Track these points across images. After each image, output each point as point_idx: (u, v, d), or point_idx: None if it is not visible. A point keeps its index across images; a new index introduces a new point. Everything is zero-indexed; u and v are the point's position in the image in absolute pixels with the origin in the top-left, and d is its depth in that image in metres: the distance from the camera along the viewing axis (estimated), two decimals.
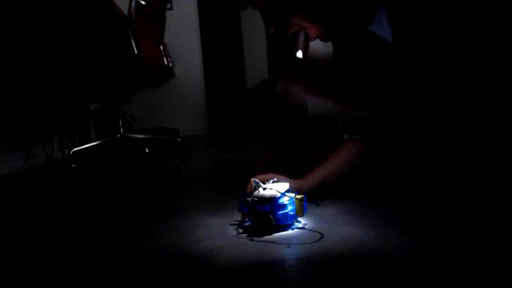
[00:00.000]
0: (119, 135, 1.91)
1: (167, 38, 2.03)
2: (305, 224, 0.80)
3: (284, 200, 0.78)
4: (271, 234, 0.76)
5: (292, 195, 0.80)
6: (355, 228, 0.76)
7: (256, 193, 0.79)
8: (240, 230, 0.79)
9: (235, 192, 0.89)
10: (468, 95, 0.64)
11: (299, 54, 0.88)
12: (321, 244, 0.71)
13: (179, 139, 2.03)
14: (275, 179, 0.84)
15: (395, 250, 0.65)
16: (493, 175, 0.75)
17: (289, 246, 0.71)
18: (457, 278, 0.54)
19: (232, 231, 0.80)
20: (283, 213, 0.77)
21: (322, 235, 0.73)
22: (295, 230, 0.78)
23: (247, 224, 0.82)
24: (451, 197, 0.85)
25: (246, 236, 0.76)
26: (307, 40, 0.86)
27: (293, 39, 0.86)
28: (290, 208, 0.78)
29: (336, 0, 0.78)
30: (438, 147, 0.72)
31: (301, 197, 0.80)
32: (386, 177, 1.00)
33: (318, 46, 0.87)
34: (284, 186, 0.82)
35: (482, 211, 0.77)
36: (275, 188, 0.80)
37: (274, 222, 0.76)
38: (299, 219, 0.81)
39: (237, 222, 0.84)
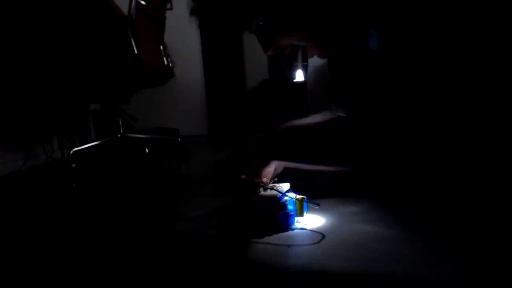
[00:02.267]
0: (119, 135, 1.91)
1: (167, 38, 2.03)
2: (306, 224, 0.80)
3: (285, 200, 0.78)
4: (271, 234, 0.75)
5: (293, 195, 0.80)
6: (356, 228, 0.75)
7: (256, 193, 0.80)
8: (240, 231, 0.79)
9: (235, 193, 0.89)
10: (462, 103, 0.63)
11: (299, 74, 0.87)
12: (321, 245, 0.70)
13: (179, 139, 2.02)
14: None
15: (397, 251, 0.65)
16: (493, 176, 0.75)
17: (289, 247, 0.71)
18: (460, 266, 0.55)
19: (231, 231, 0.80)
20: (283, 213, 0.77)
21: (323, 236, 0.73)
22: (296, 230, 0.77)
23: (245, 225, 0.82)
24: (452, 195, 0.85)
25: (246, 237, 0.76)
26: (305, 58, 0.85)
27: (291, 57, 0.85)
28: (290, 208, 0.78)
29: (328, 16, 0.77)
30: (436, 148, 0.71)
31: (302, 197, 0.80)
32: (387, 176, 0.99)
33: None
34: (285, 186, 0.82)
35: (483, 209, 0.77)
36: (276, 188, 0.80)
37: (274, 223, 0.76)
38: (299, 219, 0.81)
39: (237, 223, 0.84)
